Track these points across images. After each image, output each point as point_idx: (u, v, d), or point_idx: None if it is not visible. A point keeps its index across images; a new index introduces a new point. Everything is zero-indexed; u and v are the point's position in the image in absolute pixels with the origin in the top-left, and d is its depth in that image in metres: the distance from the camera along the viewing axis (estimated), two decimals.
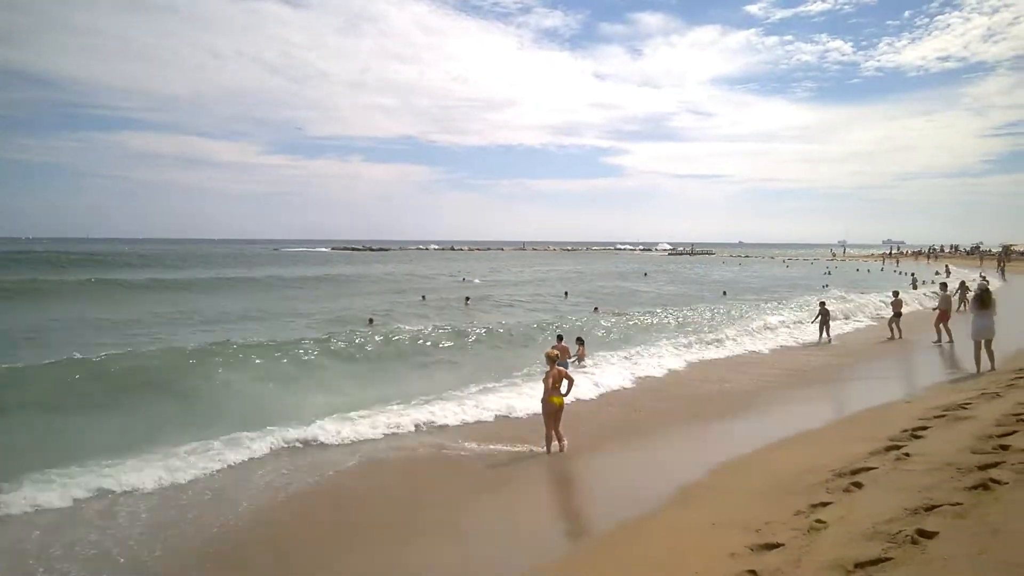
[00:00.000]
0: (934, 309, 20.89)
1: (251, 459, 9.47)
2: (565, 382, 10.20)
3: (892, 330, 20.97)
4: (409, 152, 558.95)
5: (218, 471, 8.95)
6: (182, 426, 10.80)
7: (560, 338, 17.06)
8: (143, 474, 8.54)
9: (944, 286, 21.54)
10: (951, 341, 18.94)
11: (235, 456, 9.42)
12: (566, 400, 10.26)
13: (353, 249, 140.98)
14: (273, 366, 15.59)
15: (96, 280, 40.27)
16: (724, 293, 40.64)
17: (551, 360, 10.29)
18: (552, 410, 10.05)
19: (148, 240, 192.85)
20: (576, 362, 16.61)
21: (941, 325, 19.41)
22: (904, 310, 22.30)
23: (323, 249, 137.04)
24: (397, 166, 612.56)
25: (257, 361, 15.71)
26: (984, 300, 14.22)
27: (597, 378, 14.96)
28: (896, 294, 22.64)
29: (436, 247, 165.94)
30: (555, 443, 10.05)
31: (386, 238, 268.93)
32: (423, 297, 35.38)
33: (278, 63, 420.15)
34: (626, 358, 17.63)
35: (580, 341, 17.79)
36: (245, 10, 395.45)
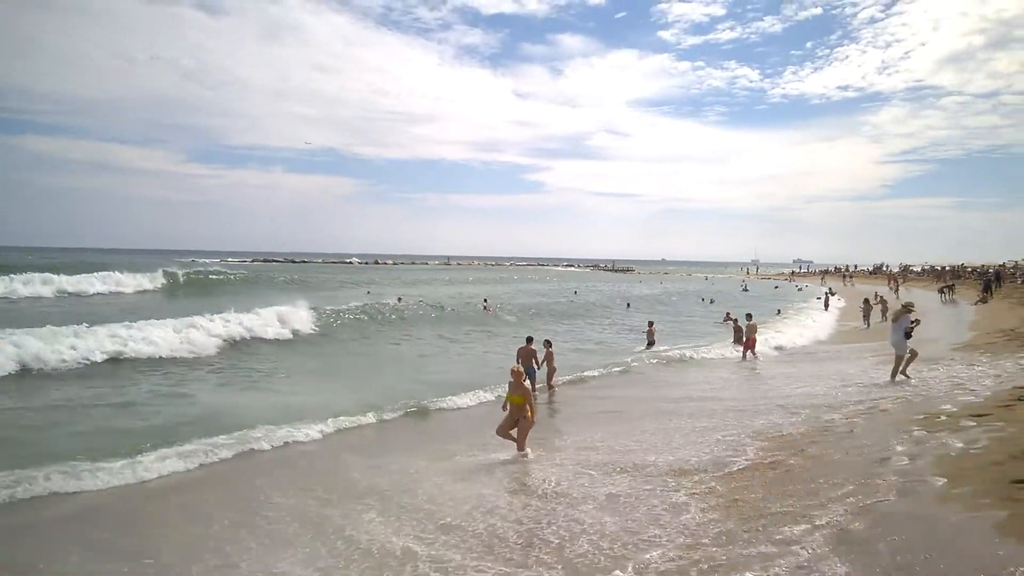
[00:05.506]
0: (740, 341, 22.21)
1: None
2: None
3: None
4: (331, 164, 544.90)
5: None
6: None
7: (530, 340, 15.97)
8: None
9: (749, 316, 22.65)
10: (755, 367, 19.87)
11: None
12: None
13: (273, 261, 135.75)
14: None
15: None
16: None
17: (517, 375, 10.07)
18: (513, 412, 9.77)
19: (51, 249, 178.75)
20: (543, 366, 15.70)
21: (749, 351, 21.11)
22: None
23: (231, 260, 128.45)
24: (319, 177, 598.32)
25: None
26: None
27: None
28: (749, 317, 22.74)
29: (359, 261, 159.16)
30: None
31: (307, 250, 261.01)
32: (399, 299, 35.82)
33: (195, 69, 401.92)
34: None
35: (548, 343, 16.37)
36: (159, 14, 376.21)
